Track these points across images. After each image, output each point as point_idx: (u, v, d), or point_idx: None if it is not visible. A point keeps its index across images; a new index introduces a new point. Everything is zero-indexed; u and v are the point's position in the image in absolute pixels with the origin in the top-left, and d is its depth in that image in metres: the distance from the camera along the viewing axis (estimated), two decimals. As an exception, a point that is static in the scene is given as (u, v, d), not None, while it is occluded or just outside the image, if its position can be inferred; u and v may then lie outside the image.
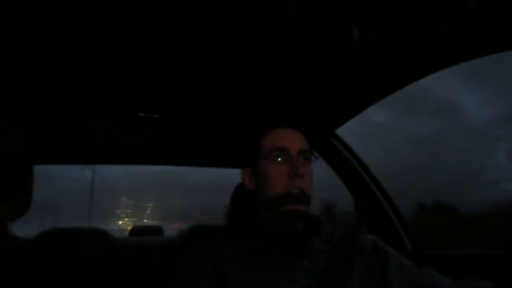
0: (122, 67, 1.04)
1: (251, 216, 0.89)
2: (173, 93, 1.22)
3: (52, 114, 1.31)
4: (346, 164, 1.49)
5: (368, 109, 1.25)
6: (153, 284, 1.37)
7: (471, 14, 0.75)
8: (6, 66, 0.98)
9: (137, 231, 1.80)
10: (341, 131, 1.49)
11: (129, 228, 2.06)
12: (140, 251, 1.53)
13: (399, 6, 0.75)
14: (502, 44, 0.85)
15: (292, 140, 0.84)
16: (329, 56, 0.97)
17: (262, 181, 0.83)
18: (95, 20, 0.81)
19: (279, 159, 0.82)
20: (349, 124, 1.41)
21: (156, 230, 1.82)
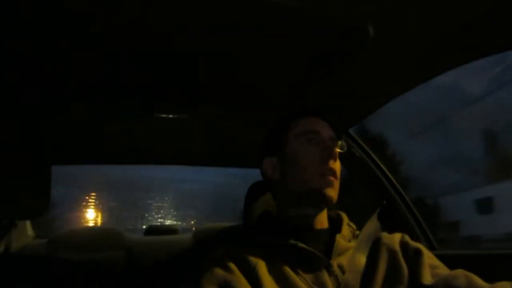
0: (133, 66, 1.05)
1: (274, 212, 0.85)
2: (187, 91, 1.22)
3: (69, 115, 1.33)
4: (360, 163, 1.46)
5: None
6: (169, 283, 1.39)
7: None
8: (22, 67, 1.00)
9: (152, 230, 1.81)
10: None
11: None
12: (155, 250, 1.54)
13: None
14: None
15: (323, 126, 0.80)
16: (342, 53, 0.95)
17: (290, 166, 0.77)
18: (110, 22, 0.82)
19: (311, 141, 0.76)
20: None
21: (171, 230, 1.82)
